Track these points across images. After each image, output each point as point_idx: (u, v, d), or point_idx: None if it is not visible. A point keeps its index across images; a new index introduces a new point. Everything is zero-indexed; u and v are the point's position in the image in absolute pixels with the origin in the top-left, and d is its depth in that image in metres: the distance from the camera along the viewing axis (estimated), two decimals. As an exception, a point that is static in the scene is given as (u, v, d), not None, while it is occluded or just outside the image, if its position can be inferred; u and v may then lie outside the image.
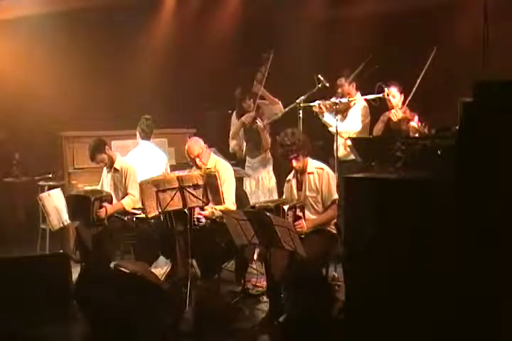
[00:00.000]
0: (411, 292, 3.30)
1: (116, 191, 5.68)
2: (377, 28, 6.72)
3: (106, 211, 5.40)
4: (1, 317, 4.26)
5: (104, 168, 5.84)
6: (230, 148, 6.59)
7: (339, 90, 5.95)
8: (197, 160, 5.34)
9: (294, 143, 4.72)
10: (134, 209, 5.60)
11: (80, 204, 5.39)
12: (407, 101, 5.49)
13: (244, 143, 6.45)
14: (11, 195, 7.51)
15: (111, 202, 5.50)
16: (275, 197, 6.11)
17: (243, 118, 6.37)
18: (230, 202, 5.20)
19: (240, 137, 6.50)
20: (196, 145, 5.37)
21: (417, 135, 5.14)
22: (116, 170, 5.69)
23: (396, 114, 5.49)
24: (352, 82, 5.95)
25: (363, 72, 5.75)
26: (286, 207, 4.51)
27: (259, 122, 6.29)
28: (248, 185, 6.33)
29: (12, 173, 7.47)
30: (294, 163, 4.81)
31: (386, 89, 5.48)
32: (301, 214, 4.60)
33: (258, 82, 6.28)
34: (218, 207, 5.03)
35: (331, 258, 4.82)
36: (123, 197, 5.64)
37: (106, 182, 5.79)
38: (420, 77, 5.25)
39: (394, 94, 5.60)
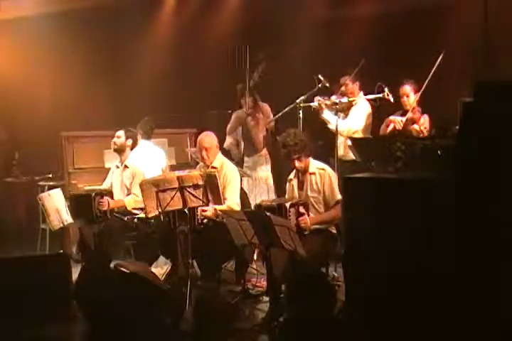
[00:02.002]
0: (411, 292, 3.30)
1: (123, 188, 5.73)
2: (377, 28, 6.72)
3: (108, 203, 5.44)
4: (1, 318, 4.26)
5: (113, 165, 5.92)
6: (225, 145, 6.58)
7: (342, 89, 5.93)
8: (203, 152, 5.32)
9: (297, 143, 4.71)
10: (134, 209, 5.61)
11: (81, 203, 5.44)
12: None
13: (242, 143, 6.45)
14: (11, 195, 7.51)
15: (111, 197, 5.54)
16: (272, 196, 6.11)
17: (239, 112, 6.40)
18: (234, 203, 5.19)
19: (238, 136, 6.50)
20: (208, 138, 5.39)
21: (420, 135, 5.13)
22: (126, 166, 5.76)
23: (400, 122, 5.39)
24: (356, 81, 5.94)
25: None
26: (288, 204, 4.51)
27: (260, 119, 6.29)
28: (246, 184, 6.33)
29: (12, 173, 7.47)
30: (297, 164, 4.80)
31: (386, 89, 5.46)
32: (303, 210, 4.60)
33: (253, 81, 6.28)
34: (220, 207, 5.04)
35: (331, 258, 4.82)
36: (127, 195, 5.68)
37: (113, 179, 5.83)
38: (427, 80, 5.19)
39: (408, 93, 5.50)
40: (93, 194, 5.44)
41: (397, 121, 5.40)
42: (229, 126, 6.60)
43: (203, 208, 5.07)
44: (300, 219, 4.50)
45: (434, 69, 5.13)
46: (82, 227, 5.52)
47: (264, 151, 6.37)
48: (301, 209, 4.59)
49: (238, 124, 6.50)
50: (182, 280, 4.91)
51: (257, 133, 6.29)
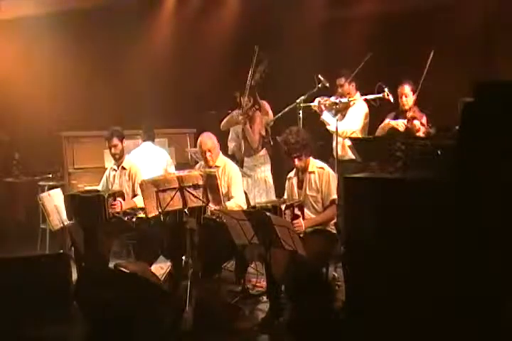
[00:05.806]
0: (411, 292, 3.30)
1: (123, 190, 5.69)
2: (376, 29, 6.72)
3: (121, 205, 5.41)
4: (1, 317, 4.27)
5: (109, 167, 5.88)
6: (229, 150, 6.60)
7: (339, 90, 5.94)
8: (207, 154, 5.35)
9: (298, 141, 4.71)
10: (133, 209, 5.60)
11: (89, 204, 5.30)
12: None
13: (243, 144, 6.43)
14: (11, 195, 7.52)
15: (123, 198, 5.50)
16: (272, 197, 6.10)
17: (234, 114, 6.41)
18: (241, 201, 5.26)
19: (239, 138, 6.48)
20: (209, 139, 5.42)
21: (421, 134, 5.13)
22: (123, 168, 5.74)
23: (403, 125, 5.38)
24: (352, 82, 5.94)
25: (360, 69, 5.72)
26: (283, 207, 4.50)
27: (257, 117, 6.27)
28: (245, 185, 6.32)
29: (12, 173, 7.48)
30: (297, 162, 4.80)
31: (386, 89, 5.46)
32: (299, 213, 4.57)
33: (255, 81, 6.26)
34: (229, 205, 5.07)
35: (331, 258, 4.82)
36: (131, 196, 5.66)
37: (110, 182, 5.79)
38: (422, 79, 5.20)
39: (406, 93, 5.51)
40: (106, 195, 5.33)
41: (400, 125, 5.40)
42: (223, 122, 6.57)
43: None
44: (294, 222, 4.46)
45: (427, 66, 5.15)
46: (71, 229, 5.37)
47: (263, 152, 6.34)
48: (296, 211, 4.56)
49: (231, 124, 6.46)
50: (182, 280, 4.90)
51: (253, 132, 6.26)
